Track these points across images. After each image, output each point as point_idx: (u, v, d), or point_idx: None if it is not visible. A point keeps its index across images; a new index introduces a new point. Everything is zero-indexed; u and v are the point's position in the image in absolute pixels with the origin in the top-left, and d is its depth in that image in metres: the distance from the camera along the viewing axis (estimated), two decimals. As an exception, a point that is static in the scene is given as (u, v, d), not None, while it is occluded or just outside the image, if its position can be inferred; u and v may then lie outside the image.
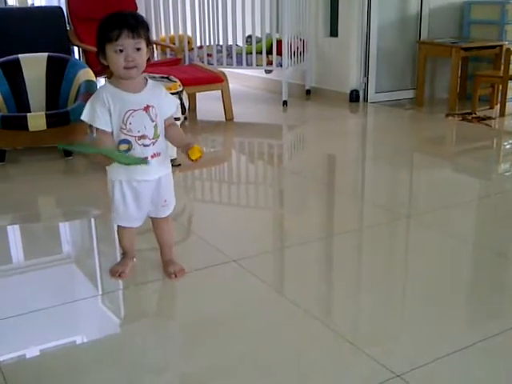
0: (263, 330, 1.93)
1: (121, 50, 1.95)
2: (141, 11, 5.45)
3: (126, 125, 2.02)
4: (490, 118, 4.96)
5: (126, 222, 2.21)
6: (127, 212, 2.16)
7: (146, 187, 2.13)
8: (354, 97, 5.65)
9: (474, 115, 5.02)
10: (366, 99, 5.67)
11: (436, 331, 1.91)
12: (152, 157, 2.07)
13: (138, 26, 1.97)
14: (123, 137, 2.03)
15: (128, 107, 2.01)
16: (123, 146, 2.03)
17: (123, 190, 2.12)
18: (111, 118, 2.02)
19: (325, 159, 4.14)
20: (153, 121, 2.05)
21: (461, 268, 2.41)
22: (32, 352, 1.89)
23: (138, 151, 2.05)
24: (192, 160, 2.03)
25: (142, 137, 2.04)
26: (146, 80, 2.09)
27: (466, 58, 5.45)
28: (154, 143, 2.07)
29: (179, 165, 3.39)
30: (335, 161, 4.17)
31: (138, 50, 1.97)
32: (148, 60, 2.05)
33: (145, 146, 2.05)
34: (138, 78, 2.04)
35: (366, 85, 5.64)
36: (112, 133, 2.04)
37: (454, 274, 2.33)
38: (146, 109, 2.03)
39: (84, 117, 2.04)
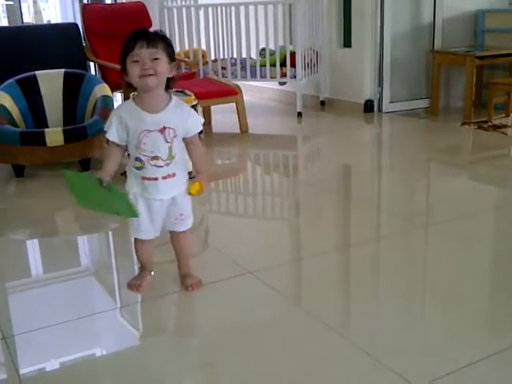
0: (281, 343, 1.93)
1: (137, 61, 1.96)
2: (155, 26, 5.52)
3: (140, 144, 2.04)
4: (506, 125, 4.93)
5: (139, 234, 2.22)
6: (139, 223, 2.17)
7: (159, 205, 2.14)
8: (368, 107, 5.65)
9: (489, 123, 4.99)
10: (380, 109, 5.67)
11: (456, 341, 1.90)
12: (164, 178, 2.08)
13: (155, 38, 1.98)
14: (138, 155, 2.06)
15: (143, 127, 2.03)
16: (137, 164, 2.07)
17: (137, 202, 2.13)
18: (128, 135, 2.06)
19: (340, 170, 4.14)
20: (167, 142, 2.05)
21: (480, 277, 2.38)
22: (52, 365, 1.90)
23: (149, 171, 2.07)
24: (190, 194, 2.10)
25: (155, 158, 2.05)
26: (170, 98, 2.07)
27: (481, 66, 5.43)
28: (167, 164, 2.07)
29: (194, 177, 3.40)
30: (351, 171, 4.17)
31: (156, 59, 1.97)
32: (172, 78, 2.06)
33: (157, 166, 2.06)
34: (159, 95, 2.03)
35: (381, 95, 5.64)
36: (126, 147, 2.09)
37: (474, 282, 2.31)
38: (162, 130, 2.03)
39: (105, 127, 2.11)
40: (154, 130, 2.03)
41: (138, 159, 2.07)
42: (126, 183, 2.15)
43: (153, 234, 2.23)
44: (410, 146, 4.58)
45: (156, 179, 2.07)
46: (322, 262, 2.52)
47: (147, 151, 2.04)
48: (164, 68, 2.00)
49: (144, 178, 2.08)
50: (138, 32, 2.01)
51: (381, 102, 5.66)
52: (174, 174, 2.10)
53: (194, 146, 2.16)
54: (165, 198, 2.12)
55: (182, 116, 2.07)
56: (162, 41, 2.00)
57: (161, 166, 2.06)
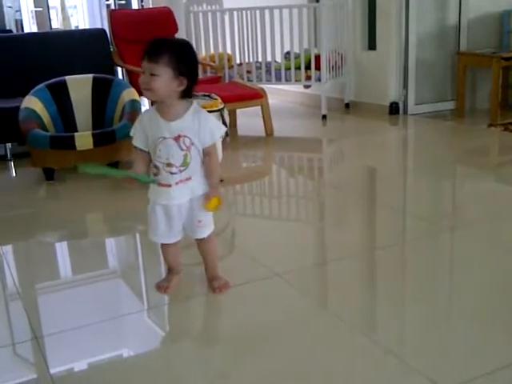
0: (308, 345, 1.94)
1: (143, 72, 2.00)
2: (181, 31, 5.58)
3: (156, 150, 2.07)
4: (533, 127, 4.88)
5: (157, 238, 2.24)
6: (158, 229, 2.19)
7: (174, 210, 2.14)
8: (393, 109, 5.63)
9: (517, 125, 4.94)
10: (405, 111, 5.64)
11: (485, 345, 1.89)
12: (177, 183, 2.09)
13: (159, 53, 1.96)
14: (154, 162, 2.10)
15: (160, 134, 2.05)
16: (153, 170, 2.11)
17: (155, 207, 2.16)
18: (148, 140, 2.10)
19: (365, 172, 4.14)
20: (182, 150, 2.05)
21: (509, 280, 2.36)
22: (81, 365, 1.94)
23: (164, 177, 2.09)
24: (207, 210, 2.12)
25: (169, 165, 2.06)
26: (190, 105, 2.07)
27: (507, 67, 5.38)
28: (181, 171, 2.07)
29: (221, 180, 3.43)
30: (376, 174, 4.16)
31: (152, 75, 1.96)
32: (188, 91, 2.03)
33: (172, 173, 2.08)
34: (173, 105, 2.03)
35: (406, 97, 5.61)
36: (149, 152, 2.12)
37: (502, 286, 2.29)
38: (177, 139, 2.04)
39: (131, 132, 2.15)
40: (169, 137, 2.04)
41: (154, 166, 2.11)
42: (149, 191, 2.19)
43: (171, 239, 2.24)
44: (436, 148, 4.56)
45: (169, 186, 2.09)
46: (349, 265, 2.52)
47: (162, 158, 2.06)
48: (161, 84, 1.96)
49: (159, 185, 2.11)
50: (153, 41, 2.02)
51: (406, 104, 5.63)
52: (188, 178, 2.10)
53: (209, 158, 2.11)
54: (178, 203, 2.13)
55: (198, 125, 2.05)
56: (166, 55, 1.95)
57: (175, 173, 2.08)
